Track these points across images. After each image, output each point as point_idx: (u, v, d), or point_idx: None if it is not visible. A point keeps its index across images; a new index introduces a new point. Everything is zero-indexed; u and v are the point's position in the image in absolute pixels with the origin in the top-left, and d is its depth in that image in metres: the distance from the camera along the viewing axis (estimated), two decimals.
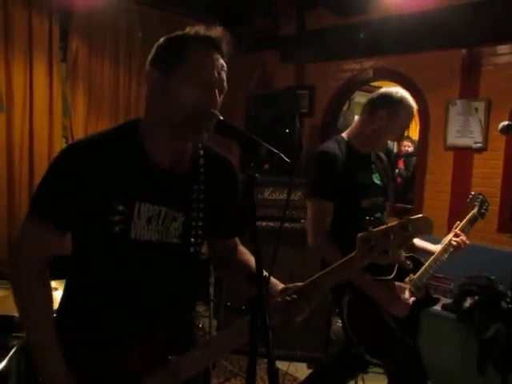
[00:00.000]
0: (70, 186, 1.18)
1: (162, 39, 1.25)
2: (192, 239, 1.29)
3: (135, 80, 4.76)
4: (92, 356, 1.22)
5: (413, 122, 7.38)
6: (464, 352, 3.18)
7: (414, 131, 7.22)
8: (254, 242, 1.09)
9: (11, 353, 2.07)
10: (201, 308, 3.92)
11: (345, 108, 5.55)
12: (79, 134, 4.46)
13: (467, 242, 2.28)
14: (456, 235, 2.28)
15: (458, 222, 2.34)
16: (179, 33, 1.23)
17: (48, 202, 1.20)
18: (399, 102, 2.15)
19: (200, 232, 1.30)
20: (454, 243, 2.25)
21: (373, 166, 2.27)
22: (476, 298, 3.16)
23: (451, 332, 3.27)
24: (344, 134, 2.27)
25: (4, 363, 2.05)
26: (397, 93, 2.17)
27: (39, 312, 1.23)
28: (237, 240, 1.48)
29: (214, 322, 3.77)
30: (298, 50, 4.81)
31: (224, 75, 1.22)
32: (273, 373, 1.05)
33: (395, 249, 1.23)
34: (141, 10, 4.72)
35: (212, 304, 3.57)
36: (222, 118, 1.17)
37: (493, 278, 3.23)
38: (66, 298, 1.33)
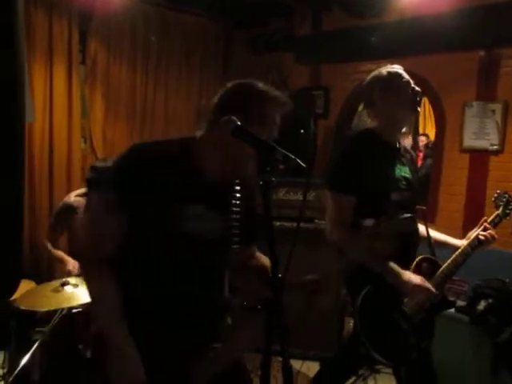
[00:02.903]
0: (138, 178, 1.33)
1: (233, 86, 1.37)
2: (231, 239, 1.42)
3: (152, 82, 4.83)
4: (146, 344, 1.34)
5: (429, 122, 7.33)
6: (477, 355, 3.17)
7: (429, 130, 7.13)
8: (269, 243, 1.12)
9: (34, 347, 2.13)
10: None
11: (360, 109, 5.54)
12: (97, 134, 4.57)
13: (496, 236, 2.20)
14: (485, 229, 2.20)
15: (486, 218, 2.26)
16: (259, 89, 1.35)
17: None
18: (388, 79, 2.10)
19: (237, 232, 1.42)
20: (482, 237, 2.17)
21: (403, 159, 2.22)
22: (490, 300, 3.14)
23: (464, 335, 3.25)
24: (372, 126, 2.23)
25: (27, 357, 2.11)
26: (380, 73, 2.13)
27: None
28: (254, 247, 1.61)
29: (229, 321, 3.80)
30: (313, 50, 4.82)
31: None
32: (287, 370, 1.08)
33: None
34: (157, 12, 4.78)
35: None
36: (239, 123, 1.21)
37: (507, 280, 3.21)
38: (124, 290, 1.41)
